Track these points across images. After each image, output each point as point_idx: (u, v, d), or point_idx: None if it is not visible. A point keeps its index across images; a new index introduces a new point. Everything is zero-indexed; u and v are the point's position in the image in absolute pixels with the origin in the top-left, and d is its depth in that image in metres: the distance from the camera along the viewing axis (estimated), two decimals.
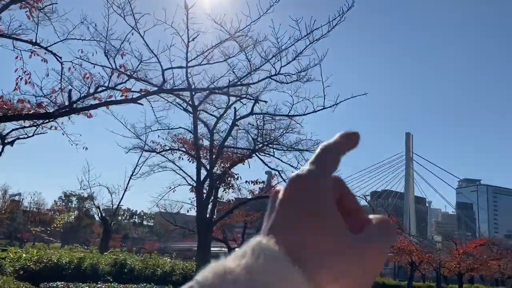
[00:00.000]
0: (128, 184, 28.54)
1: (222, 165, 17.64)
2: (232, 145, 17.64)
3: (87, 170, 28.76)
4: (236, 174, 18.34)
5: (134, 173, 26.38)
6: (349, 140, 0.52)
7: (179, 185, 16.97)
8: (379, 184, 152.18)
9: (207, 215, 16.56)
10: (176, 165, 17.08)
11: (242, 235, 29.69)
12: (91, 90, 9.01)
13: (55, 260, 10.86)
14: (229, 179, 17.46)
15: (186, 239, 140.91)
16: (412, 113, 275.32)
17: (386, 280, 45.28)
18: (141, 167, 24.22)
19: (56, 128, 11.19)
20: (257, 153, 18.42)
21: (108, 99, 8.90)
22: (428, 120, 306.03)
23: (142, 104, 9.78)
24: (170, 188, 17.20)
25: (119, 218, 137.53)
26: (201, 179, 16.16)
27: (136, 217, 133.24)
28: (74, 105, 9.19)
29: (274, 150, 18.68)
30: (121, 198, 31.96)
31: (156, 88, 9.43)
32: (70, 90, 8.89)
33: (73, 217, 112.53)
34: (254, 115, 17.04)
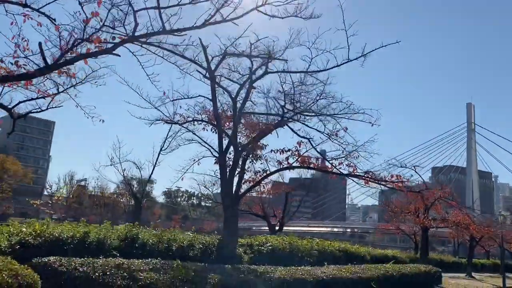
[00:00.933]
0: (157, 159, 27.63)
1: (248, 135, 16.35)
2: (257, 111, 16.23)
3: (118, 146, 28.31)
4: (263, 144, 16.97)
5: (163, 148, 25.23)
6: None
7: (204, 157, 15.87)
8: (440, 159, 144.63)
9: (233, 188, 15.43)
10: (197, 136, 15.98)
11: (283, 210, 28.50)
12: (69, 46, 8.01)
13: (56, 235, 10.12)
14: (256, 150, 16.15)
15: (245, 218, 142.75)
16: (473, 82, 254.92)
17: (445, 258, 42.51)
18: (170, 142, 23.21)
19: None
20: (286, 122, 16.91)
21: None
22: (491, 88, 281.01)
23: (119, 55, 8.63)
24: (194, 160, 16.14)
25: (178, 199, 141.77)
26: (223, 149, 14.99)
27: (194, 198, 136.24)
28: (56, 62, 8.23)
29: (305, 117, 17.08)
30: (151, 174, 31.20)
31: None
32: (39, 44, 7.93)
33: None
34: (279, 78, 15.54)
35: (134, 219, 24.13)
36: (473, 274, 33.73)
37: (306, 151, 15.36)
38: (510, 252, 49.95)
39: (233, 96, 15.82)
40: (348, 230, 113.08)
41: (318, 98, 16.76)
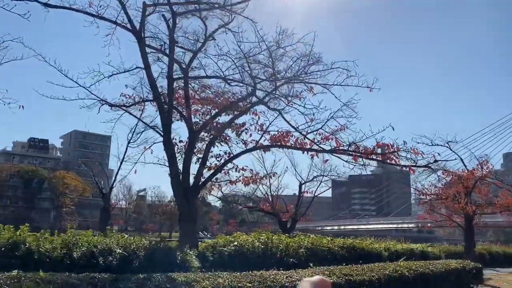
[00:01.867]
0: (125, 154, 23.89)
1: (207, 112, 13.29)
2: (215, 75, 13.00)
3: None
4: (238, 125, 13.82)
5: (131, 140, 21.46)
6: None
7: (155, 142, 13.06)
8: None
9: (189, 176, 12.45)
10: (140, 120, 13.15)
11: (296, 205, 24.93)
12: None
13: None
14: (222, 130, 13.06)
15: (301, 219, 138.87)
16: None
17: (509, 249, 36.42)
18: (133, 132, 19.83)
19: None
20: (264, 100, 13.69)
21: None
22: None
23: None
24: (145, 148, 13.38)
25: (234, 204, 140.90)
26: (169, 129, 12.06)
27: (251, 201, 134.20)
28: None
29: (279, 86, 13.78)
30: (117, 171, 28.08)
31: None
32: None
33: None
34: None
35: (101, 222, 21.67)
36: None
37: (278, 131, 12.06)
38: None
39: (183, 66, 12.89)
40: (411, 225, 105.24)
41: (303, 64, 13.57)
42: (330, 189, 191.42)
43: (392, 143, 10.95)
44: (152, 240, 10.59)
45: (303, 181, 23.60)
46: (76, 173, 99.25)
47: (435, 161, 11.78)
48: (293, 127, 12.23)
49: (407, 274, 12.93)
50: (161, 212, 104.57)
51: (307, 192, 23.98)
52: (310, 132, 12.24)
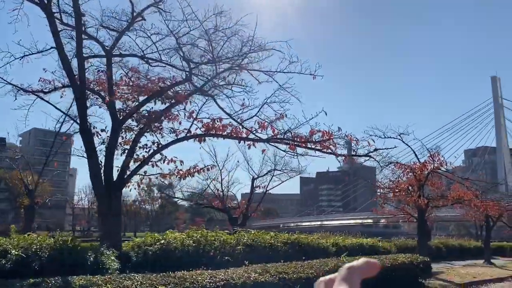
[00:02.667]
0: (52, 147, 21.62)
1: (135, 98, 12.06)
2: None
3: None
4: (174, 114, 12.67)
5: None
6: (372, 269, 0.68)
7: (75, 132, 11.74)
8: (471, 140, 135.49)
9: (112, 169, 11.24)
10: (55, 107, 11.80)
11: (248, 200, 23.90)
12: None
13: None
14: (153, 119, 11.86)
15: (270, 216, 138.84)
16: (495, 53, 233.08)
17: (465, 242, 36.76)
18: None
19: None
20: (192, 80, 12.62)
21: None
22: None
23: None
24: (65, 138, 12.03)
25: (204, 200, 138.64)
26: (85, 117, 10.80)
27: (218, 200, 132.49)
28: None
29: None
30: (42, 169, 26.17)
31: None
32: None
33: (157, 205, 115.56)
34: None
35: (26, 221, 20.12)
36: (494, 260, 28.36)
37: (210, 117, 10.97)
38: None
39: (107, 48, 11.63)
40: (369, 220, 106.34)
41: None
42: (299, 186, 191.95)
43: (327, 130, 10.09)
44: (60, 239, 9.31)
45: (255, 176, 22.65)
46: (36, 172, 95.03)
47: (375, 149, 11.03)
48: (227, 113, 11.24)
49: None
50: (125, 212, 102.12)
51: (259, 187, 23.03)
52: (245, 120, 11.25)
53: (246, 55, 12.92)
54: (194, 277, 8.91)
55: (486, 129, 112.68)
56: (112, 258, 9.89)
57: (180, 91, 13.00)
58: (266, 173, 22.52)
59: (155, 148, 11.72)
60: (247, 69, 13.02)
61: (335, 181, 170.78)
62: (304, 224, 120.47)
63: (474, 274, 20.88)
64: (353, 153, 11.12)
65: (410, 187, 21.08)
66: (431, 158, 19.26)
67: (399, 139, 20.31)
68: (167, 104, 12.62)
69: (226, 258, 11.65)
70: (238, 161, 24.35)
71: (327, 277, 0.77)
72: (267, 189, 23.36)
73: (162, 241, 10.79)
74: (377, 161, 11.42)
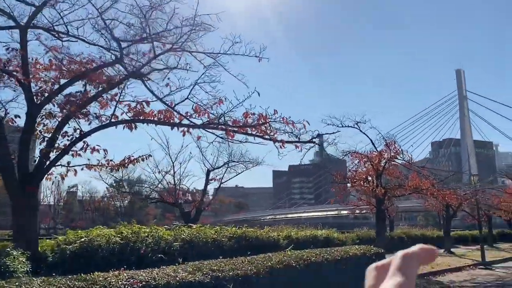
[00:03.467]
0: None
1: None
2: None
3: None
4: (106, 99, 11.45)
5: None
6: (429, 256, 0.63)
7: None
8: (437, 132, 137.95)
9: (27, 159, 9.99)
10: None
11: (202, 194, 22.80)
12: None
13: None
14: (76, 106, 10.62)
15: (242, 210, 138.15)
16: (460, 47, 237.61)
17: (428, 232, 36.83)
18: None
19: None
20: (123, 61, 11.43)
21: None
22: (480, 52, 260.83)
23: None
24: None
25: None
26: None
27: (189, 194, 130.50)
28: None
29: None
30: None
31: None
32: None
33: (126, 201, 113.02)
34: None
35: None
36: (455, 249, 28.35)
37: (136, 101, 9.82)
38: (507, 220, 44.45)
39: (22, 24, 10.29)
40: (332, 212, 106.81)
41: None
42: (271, 179, 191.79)
43: (263, 113, 9.14)
44: None
45: (211, 168, 21.56)
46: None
47: (318, 135, 10.17)
48: (156, 96, 10.11)
49: (294, 264, 11.36)
50: (93, 209, 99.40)
51: (215, 179, 21.97)
52: (178, 103, 10.17)
53: (188, 35, 11.87)
54: (108, 278, 7.83)
55: (451, 121, 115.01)
56: (21, 259, 8.70)
57: (113, 75, 11.80)
58: (222, 165, 21.47)
59: (77, 136, 10.50)
60: (189, 51, 11.95)
61: (307, 174, 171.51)
62: (277, 217, 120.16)
63: (432, 264, 20.55)
64: (296, 139, 10.21)
65: (368, 177, 20.50)
66: (387, 147, 18.67)
67: (357, 128, 19.67)
68: (99, 89, 11.41)
69: (160, 255, 10.61)
70: (190, 153, 22.89)
71: (380, 262, 0.68)
72: (222, 181, 22.30)
73: (83, 239, 9.63)
74: (320, 146, 10.53)
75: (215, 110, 9.75)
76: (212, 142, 10.20)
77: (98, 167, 11.59)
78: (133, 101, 10.34)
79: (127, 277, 8.07)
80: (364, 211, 35.55)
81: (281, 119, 9.28)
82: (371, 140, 19.82)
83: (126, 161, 11.89)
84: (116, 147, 15.26)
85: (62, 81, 10.89)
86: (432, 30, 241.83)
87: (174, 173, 21.75)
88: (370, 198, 22.07)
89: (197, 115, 10.27)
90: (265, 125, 9.36)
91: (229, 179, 22.43)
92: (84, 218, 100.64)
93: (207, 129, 10.20)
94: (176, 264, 9.93)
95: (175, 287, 8.33)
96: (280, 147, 9.86)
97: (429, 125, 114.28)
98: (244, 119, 9.37)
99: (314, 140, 10.25)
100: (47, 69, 10.39)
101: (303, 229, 18.20)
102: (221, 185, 22.85)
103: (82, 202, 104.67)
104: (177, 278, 8.59)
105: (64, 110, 10.88)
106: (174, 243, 11.37)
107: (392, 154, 18.87)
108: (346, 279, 12.68)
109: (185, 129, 10.40)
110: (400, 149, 18.41)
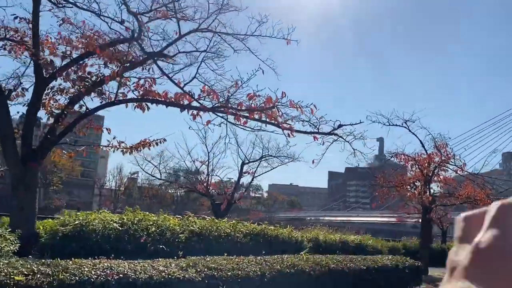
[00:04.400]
0: None
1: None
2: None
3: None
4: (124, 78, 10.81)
5: None
6: None
7: None
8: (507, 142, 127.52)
9: (31, 135, 9.51)
10: None
11: (234, 187, 21.79)
12: None
13: None
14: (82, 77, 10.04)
15: (295, 209, 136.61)
16: None
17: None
18: None
19: None
20: (140, 38, 10.69)
21: None
22: None
23: None
24: None
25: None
26: None
27: (244, 189, 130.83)
28: None
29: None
30: None
31: None
32: None
33: (182, 191, 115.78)
34: None
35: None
36: None
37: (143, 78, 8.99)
38: None
39: None
40: (393, 219, 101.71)
41: None
42: (327, 180, 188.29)
43: (271, 97, 7.90)
44: None
45: (246, 161, 20.55)
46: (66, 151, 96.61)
47: (340, 126, 8.74)
48: (164, 73, 9.21)
49: (307, 269, 10.03)
50: (151, 195, 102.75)
51: (248, 172, 20.92)
52: (188, 83, 9.24)
53: (216, 15, 10.93)
54: (83, 266, 7.04)
55: None
56: (10, 238, 8.20)
57: (132, 53, 11.11)
58: (259, 159, 20.38)
59: (83, 112, 9.90)
60: (217, 32, 10.99)
61: (363, 177, 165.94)
62: (328, 218, 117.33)
63: None
64: (315, 129, 8.87)
65: (416, 182, 18.50)
66: (437, 150, 16.58)
67: (405, 127, 17.81)
68: (119, 68, 10.77)
69: (161, 246, 9.76)
70: (225, 143, 21.41)
71: (471, 212, 0.56)
72: (255, 175, 21.20)
73: (77, 222, 8.99)
74: (345, 140, 9.09)
75: (232, 94, 8.69)
76: (219, 125, 9.11)
77: (109, 148, 10.99)
78: (136, 77, 9.54)
79: (104, 267, 7.24)
80: (414, 220, 32.88)
81: (288, 102, 8.01)
82: (420, 141, 17.83)
83: (140, 144, 11.19)
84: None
85: (75, 56, 10.32)
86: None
87: (208, 163, 21.04)
88: (417, 205, 20.04)
89: (207, 97, 9.28)
90: (272, 109, 8.15)
91: (263, 173, 21.27)
92: (142, 204, 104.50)
93: (217, 113, 9.17)
94: (175, 257, 8.99)
95: (157, 283, 7.35)
96: (288, 135, 8.59)
97: (501, 134, 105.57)
98: (249, 101, 8.22)
99: (335, 132, 8.85)
100: (58, 42, 9.88)
101: (332, 233, 16.62)
102: (254, 179, 21.77)
103: (141, 188, 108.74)
104: (163, 274, 7.62)
105: (76, 87, 10.34)
106: (180, 235, 10.48)
107: (444, 158, 16.77)
108: None
109: (195, 112, 9.43)
110: (452, 154, 16.26)
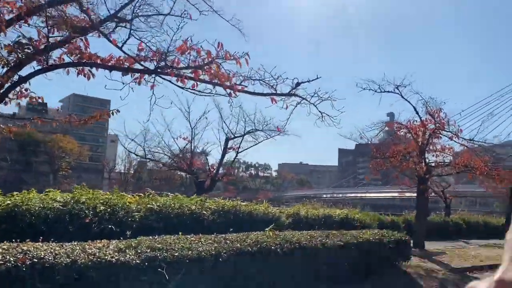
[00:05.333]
0: None
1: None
2: None
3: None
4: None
5: None
6: None
7: None
8: None
9: None
10: None
11: (218, 163, 20.71)
12: None
13: None
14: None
15: (302, 187, 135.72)
16: None
17: (493, 219, 32.01)
18: None
19: None
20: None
21: None
22: None
23: None
24: None
25: (235, 170, 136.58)
26: None
27: (253, 168, 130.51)
28: None
29: None
30: None
31: None
32: None
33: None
34: None
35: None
36: None
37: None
38: None
39: None
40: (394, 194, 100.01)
41: None
42: (337, 157, 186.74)
43: (210, 51, 6.68)
44: None
45: (231, 136, 19.42)
46: (75, 137, 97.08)
47: (298, 83, 7.52)
48: (100, 32, 8.03)
49: (274, 247, 8.97)
50: (160, 178, 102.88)
51: (233, 148, 19.80)
52: (125, 43, 8.06)
53: None
54: None
55: None
56: None
57: (82, 17, 9.92)
58: (246, 133, 19.20)
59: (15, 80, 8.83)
60: None
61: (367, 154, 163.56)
62: (337, 195, 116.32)
63: (485, 256, 17.02)
64: (272, 90, 7.67)
65: (410, 152, 17.21)
66: (430, 116, 15.23)
67: (398, 93, 16.47)
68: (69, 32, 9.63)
69: (110, 227, 8.80)
70: (206, 118, 19.75)
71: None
72: (238, 151, 19.98)
73: (8, 202, 8.06)
74: (310, 102, 7.90)
75: (168, 50, 7.50)
76: (152, 89, 7.86)
77: (53, 121, 9.99)
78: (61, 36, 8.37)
79: (19, 251, 6.28)
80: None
81: (232, 57, 6.77)
82: (414, 107, 16.46)
83: (92, 118, 10.16)
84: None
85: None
86: None
87: (192, 139, 19.99)
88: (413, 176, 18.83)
89: (153, 59, 8.12)
90: (211, 64, 6.97)
91: (247, 148, 20.08)
92: (151, 186, 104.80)
93: (162, 76, 8.03)
94: (121, 238, 8.03)
95: (81, 268, 6.35)
96: (230, 95, 7.40)
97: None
98: (181, 56, 7.01)
99: (295, 92, 7.65)
100: None
101: (317, 208, 15.53)
102: (238, 155, 20.57)
103: (151, 171, 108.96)
104: (91, 257, 6.63)
105: (14, 53, 9.25)
106: (135, 213, 9.51)
107: (438, 125, 15.42)
108: (346, 273, 10.09)
109: (138, 75, 8.30)
110: (446, 119, 14.89)
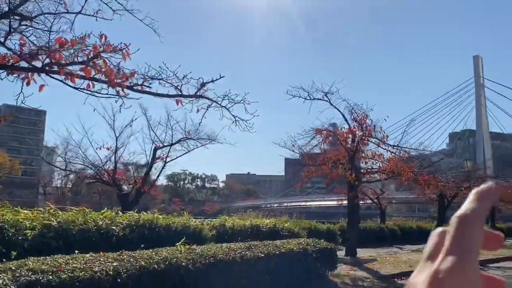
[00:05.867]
0: None
1: None
2: None
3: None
4: None
5: None
6: (490, 199, 0.48)
7: None
8: (452, 122, 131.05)
9: None
10: None
11: (145, 174, 19.72)
12: None
13: None
14: None
15: (250, 197, 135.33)
16: (477, 33, 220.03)
17: (425, 225, 33.11)
18: None
19: None
20: None
21: None
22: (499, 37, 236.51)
23: None
24: None
25: (182, 182, 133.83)
26: None
27: (199, 179, 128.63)
28: None
29: None
30: None
31: None
32: None
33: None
34: None
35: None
36: None
37: None
38: None
39: None
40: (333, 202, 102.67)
41: None
42: (283, 167, 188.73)
43: (96, 45, 5.90)
44: None
45: (160, 145, 18.43)
46: (6, 150, 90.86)
47: (203, 84, 6.92)
48: None
49: (185, 264, 8.18)
50: (100, 192, 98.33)
51: (161, 158, 18.84)
52: (7, 38, 7.04)
53: None
54: None
55: (466, 110, 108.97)
56: None
57: None
58: (175, 142, 18.30)
59: None
60: None
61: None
62: (285, 205, 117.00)
63: (415, 261, 17.15)
64: (178, 92, 6.98)
65: (339, 160, 17.13)
66: (357, 123, 15.22)
67: (326, 100, 16.38)
68: None
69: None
70: (131, 125, 18.40)
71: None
72: (166, 159, 18.98)
73: None
74: (221, 105, 7.30)
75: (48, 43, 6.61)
76: (41, 89, 6.94)
77: None
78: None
79: None
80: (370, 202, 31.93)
81: (120, 50, 6.04)
82: (342, 115, 16.43)
83: None
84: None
85: None
86: (450, 15, 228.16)
87: (116, 149, 18.79)
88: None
89: (42, 56, 7.17)
90: (95, 59, 6.19)
91: (176, 158, 19.16)
92: (91, 201, 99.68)
93: (50, 75, 7.11)
94: (4, 260, 6.94)
95: None
96: (118, 93, 6.67)
97: (445, 114, 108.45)
98: (59, 48, 6.15)
99: (203, 94, 7.02)
100: None
101: (246, 219, 15.00)
102: (166, 164, 19.52)
103: (90, 185, 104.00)
104: None
105: None
106: (28, 231, 8.39)
107: (364, 132, 15.42)
108: (268, 287, 9.52)
109: (29, 75, 7.31)
110: (372, 126, 14.91)
